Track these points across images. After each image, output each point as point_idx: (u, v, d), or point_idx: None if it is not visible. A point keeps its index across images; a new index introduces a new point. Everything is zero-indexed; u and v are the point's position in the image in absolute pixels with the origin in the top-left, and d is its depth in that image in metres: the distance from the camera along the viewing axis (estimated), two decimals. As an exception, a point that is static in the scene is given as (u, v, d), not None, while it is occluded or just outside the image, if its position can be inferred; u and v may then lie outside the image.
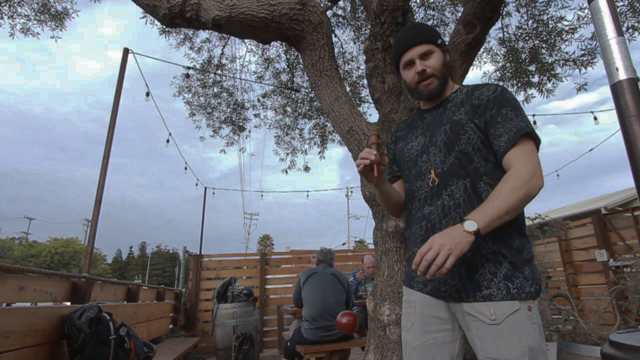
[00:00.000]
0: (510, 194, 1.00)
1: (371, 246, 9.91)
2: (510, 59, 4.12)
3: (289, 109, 5.82)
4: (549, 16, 3.80)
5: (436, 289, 1.14)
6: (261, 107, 5.83)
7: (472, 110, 1.16)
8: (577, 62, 3.75)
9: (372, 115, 6.18)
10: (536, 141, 1.10)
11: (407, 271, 1.29)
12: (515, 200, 1.00)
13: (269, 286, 6.32)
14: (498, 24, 4.04)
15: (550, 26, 3.80)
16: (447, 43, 1.30)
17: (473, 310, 1.06)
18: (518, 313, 1.01)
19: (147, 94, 4.71)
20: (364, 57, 2.46)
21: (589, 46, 3.66)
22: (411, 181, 1.27)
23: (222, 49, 5.25)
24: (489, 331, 1.02)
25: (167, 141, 5.54)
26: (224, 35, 4.91)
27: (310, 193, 8.62)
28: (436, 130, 1.21)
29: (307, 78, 3.58)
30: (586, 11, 3.48)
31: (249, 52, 5.44)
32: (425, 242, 1.00)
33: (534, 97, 4.16)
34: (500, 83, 4.36)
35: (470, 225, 0.97)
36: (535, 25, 3.90)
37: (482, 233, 0.98)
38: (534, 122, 6.03)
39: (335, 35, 5.30)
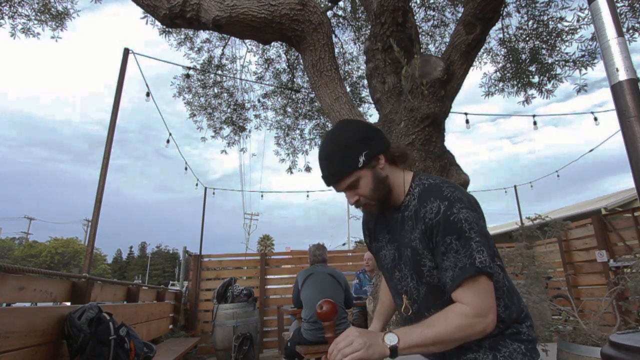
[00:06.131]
0: (446, 333, 0.94)
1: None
2: (511, 59, 4.13)
3: (289, 109, 5.82)
4: (549, 17, 3.80)
5: None
6: (261, 107, 5.84)
7: (424, 237, 1.06)
8: (577, 62, 3.75)
9: (373, 115, 6.17)
10: (489, 276, 0.98)
11: None
12: (448, 340, 0.95)
13: (269, 286, 6.32)
14: (498, 25, 4.05)
15: (551, 27, 3.81)
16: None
17: None
18: None
19: (148, 94, 4.71)
20: (364, 58, 2.47)
21: (589, 47, 3.66)
22: (391, 292, 1.24)
23: (223, 49, 5.26)
24: None
25: (167, 142, 5.53)
26: (224, 35, 4.92)
27: (310, 193, 8.60)
28: (402, 249, 1.13)
29: (307, 78, 3.58)
30: (586, 12, 3.48)
31: (249, 52, 5.46)
32: None
33: (534, 97, 4.16)
34: (500, 84, 4.36)
35: (391, 339, 0.92)
36: (535, 26, 3.91)
37: (399, 353, 0.93)
38: (534, 123, 6.01)
39: (336, 36, 5.31)
